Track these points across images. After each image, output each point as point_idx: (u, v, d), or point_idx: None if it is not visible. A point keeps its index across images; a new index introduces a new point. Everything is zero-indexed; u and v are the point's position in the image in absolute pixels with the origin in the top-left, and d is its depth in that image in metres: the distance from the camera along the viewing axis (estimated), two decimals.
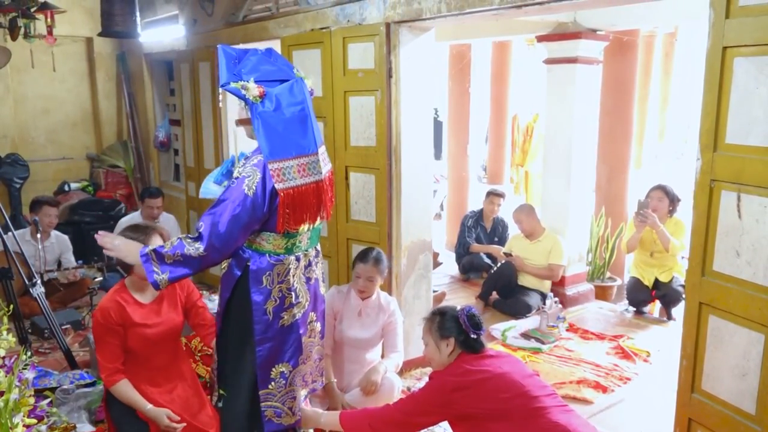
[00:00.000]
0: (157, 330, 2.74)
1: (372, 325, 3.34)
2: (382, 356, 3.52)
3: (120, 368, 2.65)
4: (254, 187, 2.23)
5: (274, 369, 2.37)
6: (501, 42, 7.20)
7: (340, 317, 3.32)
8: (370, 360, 3.49)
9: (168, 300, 2.82)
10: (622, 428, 3.30)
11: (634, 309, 4.99)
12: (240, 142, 5.27)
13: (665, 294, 4.84)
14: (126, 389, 2.63)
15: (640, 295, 4.92)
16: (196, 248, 2.21)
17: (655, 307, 5.08)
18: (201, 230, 2.22)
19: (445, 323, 2.45)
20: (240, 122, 2.40)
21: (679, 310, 4.59)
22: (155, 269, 2.21)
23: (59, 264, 5.04)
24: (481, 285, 5.26)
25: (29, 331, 4.23)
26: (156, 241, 2.63)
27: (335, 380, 3.23)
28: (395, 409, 2.48)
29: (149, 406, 2.62)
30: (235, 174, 2.32)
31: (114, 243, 2.35)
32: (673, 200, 4.77)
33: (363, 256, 3.23)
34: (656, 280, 4.86)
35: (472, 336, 2.41)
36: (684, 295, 4.71)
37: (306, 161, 2.34)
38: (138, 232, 2.65)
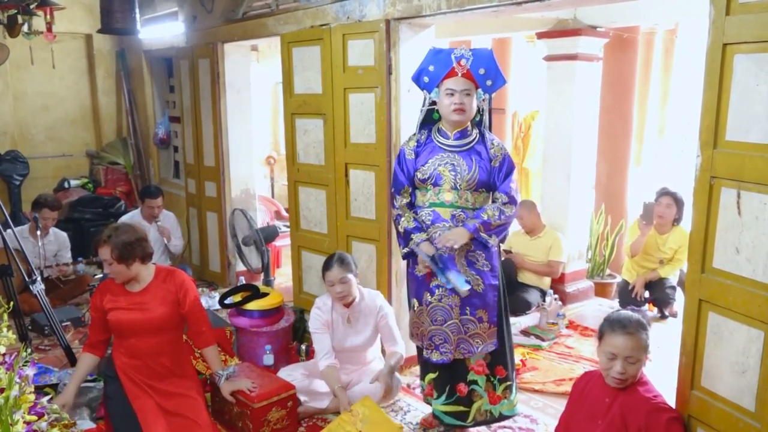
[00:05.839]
0: (129, 317, 2.85)
1: (364, 328, 3.36)
2: (383, 350, 3.52)
3: (93, 342, 2.97)
4: None
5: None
6: (501, 39, 7.17)
7: (332, 329, 3.33)
8: (371, 357, 3.49)
9: (156, 294, 2.90)
10: None
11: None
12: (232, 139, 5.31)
13: (656, 297, 4.86)
14: (81, 361, 2.99)
15: (632, 301, 4.90)
16: (512, 210, 2.85)
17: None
18: (512, 194, 2.84)
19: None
20: (497, 111, 2.88)
21: (678, 307, 4.60)
22: (483, 235, 2.79)
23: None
24: None
25: (29, 328, 4.24)
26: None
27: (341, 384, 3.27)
28: None
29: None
30: (497, 151, 2.88)
31: (447, 237, 2.78)
32: (681, 208, 4.69)
33: (327, 265, 3.27)
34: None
35: None
36: (673, 298, 4.76)
37: None
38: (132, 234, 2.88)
